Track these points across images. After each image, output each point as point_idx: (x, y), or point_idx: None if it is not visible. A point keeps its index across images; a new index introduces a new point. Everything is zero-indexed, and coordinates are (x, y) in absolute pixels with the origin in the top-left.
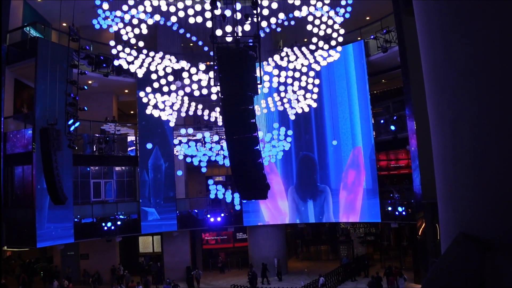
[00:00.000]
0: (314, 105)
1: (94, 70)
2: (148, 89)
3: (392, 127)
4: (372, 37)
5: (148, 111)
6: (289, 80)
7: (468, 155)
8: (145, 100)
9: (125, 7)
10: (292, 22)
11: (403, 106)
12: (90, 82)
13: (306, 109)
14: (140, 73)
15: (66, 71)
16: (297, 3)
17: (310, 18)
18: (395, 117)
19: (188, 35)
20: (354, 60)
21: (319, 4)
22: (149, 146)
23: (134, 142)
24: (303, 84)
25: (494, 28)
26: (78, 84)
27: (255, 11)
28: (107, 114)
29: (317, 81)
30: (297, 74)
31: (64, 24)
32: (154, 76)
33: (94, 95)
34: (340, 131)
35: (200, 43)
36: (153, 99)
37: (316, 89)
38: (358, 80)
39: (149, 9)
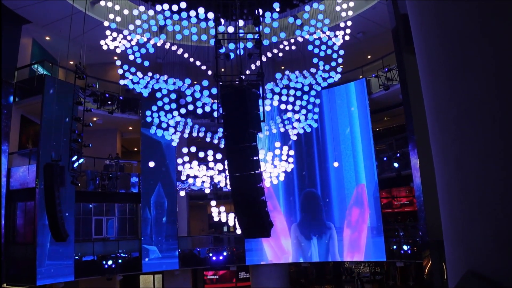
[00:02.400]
0: (315, 125)
1: (99, 107)
2: (154, 108)
3: (396, 164)
4: (373, 75)
5: (152, 131)
6: (291, 99)
7: (473, 192)
8: (149, 119)
9: (131, 27)
10: (293, 47)
11: (406, 143)
12: (95, 119)
13: (308, 129)
14: (146, 93)
15: (72, 108)
16: (298, 22)
17: (310, 38)
18: (398, 154)
19: (191, 59)
20: (356, 98)
21: (319, 24)
22: (152, 164)
23: (137, 176)
24: (304, 103)
25: (494, 65)
26: (83, 121)
27: (258, 49)
28: (111, 150)
29: (318, 101)
30: (298, 93)
31: (71, 62)
32: (158, 95)
33: (99, 132)
34: (343, 168)
35: (204, 67)
36: (156, 119)
37: (317, 109)
38: (361, 118)
39: (154, 29)
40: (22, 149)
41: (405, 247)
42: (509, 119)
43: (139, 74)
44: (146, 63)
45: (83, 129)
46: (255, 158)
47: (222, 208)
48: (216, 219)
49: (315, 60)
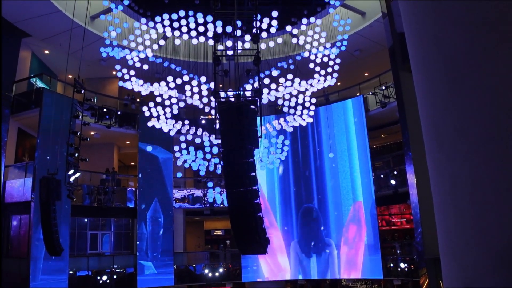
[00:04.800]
0: (310, 120)
1: (97, 121)
2: (151, 104)
3: (393, 182)
4: (371, 93)
5: (150, 124)
6: (287, 96)
7: (469, 210)
8: (147, 114)
9: (131, 37)
10: (292, 66)
11: (403, 160)
12: (92, 133)
13: (304, 123)
14: (144, 92)
15: (69, 121)
16: (295, 31)
17: (308, 46)
18: (395, 172)
19: (191, 75)
20: (353, 115)
21: (316, 36)
22: (149, 149)
23: (134, 191)
24: (300, 101)
25: (491, 84)
26: (81, 135)
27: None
28: (108, 165)
29: (313, 100)
30: (294, 92)
31: (70, 76)
32: (156, 93)
33: (96, 146)
34: (341, 185)
35: (204, 78)
36: (155, 112)
37: (312, 107)
38: (358, 135)
39: (154, 36)
40: (18, 162)
41: (402, 265)
42: (504, 138)
43: (140, 82)
44: (146, 67)
45: (80, 143)
46: (252, 174)
47: (218, 189)
48: (211, 199)
49: (311, 65)
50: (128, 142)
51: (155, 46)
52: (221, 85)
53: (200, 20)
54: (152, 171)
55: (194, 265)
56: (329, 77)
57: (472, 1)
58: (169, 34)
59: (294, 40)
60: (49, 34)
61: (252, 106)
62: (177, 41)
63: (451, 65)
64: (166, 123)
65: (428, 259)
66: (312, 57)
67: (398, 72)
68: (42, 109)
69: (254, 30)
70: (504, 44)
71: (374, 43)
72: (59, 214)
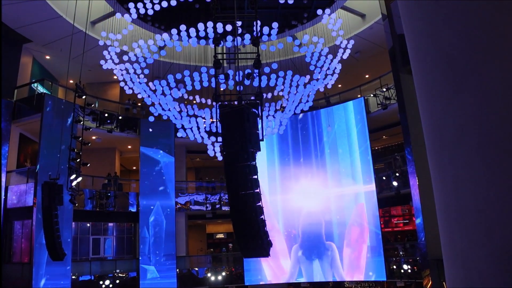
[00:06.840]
0: (310, 104)
1: (98, 126)
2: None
3: (395, 183)
4: (371, 95)
5: (152, 110)
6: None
7: (471, 211)
8: (151, 108)
9: (135, 45)
10: (294, 88)
11: (405, 161)
12: (94, 137)
13: (306, 107)
14: (144, 92)
15: (71, 126)
16: (297, 42)
17: (308, 53)
18: (397, 173)
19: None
20: (354, 117)
21: (318, 49)
22: (151, 119)
23: (135, 195)
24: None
25: (490, 85)
26: (82, 139)
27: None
28: (110, 169)
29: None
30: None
31: (71, 81)
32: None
33: (98, 151)
34: (343, 187)
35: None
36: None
37: (311, 97)
38: (359, 137)
39: (154, 48)
40: (20, 168)
41: (405, 267)
42: (505, 139)
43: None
44: (146, 71)
45: (82, 147)
46: (254, 177)
47: (218, 148)
48: (211, 153)
49: (311, 67)
50: (129, 146)
51: (156, 56)
52: (222, 89)
53: (201, 26)
54: (154, 175)
55: (196, 269)
56: (329, 76)
57: (471, 1)
58: (169, 43)
59: (296, 49)
60: (50, 40)
61: (253, 109)
62: (178, 48)
63: (451, 66)
64: (169, 110)
65: (431, 260)
66: (313, 61)
67: (398, 74)
68: (44, 114)
69: (254, 32)
70: (503, 44)
71: (375, 45)
72: (61, 219)
